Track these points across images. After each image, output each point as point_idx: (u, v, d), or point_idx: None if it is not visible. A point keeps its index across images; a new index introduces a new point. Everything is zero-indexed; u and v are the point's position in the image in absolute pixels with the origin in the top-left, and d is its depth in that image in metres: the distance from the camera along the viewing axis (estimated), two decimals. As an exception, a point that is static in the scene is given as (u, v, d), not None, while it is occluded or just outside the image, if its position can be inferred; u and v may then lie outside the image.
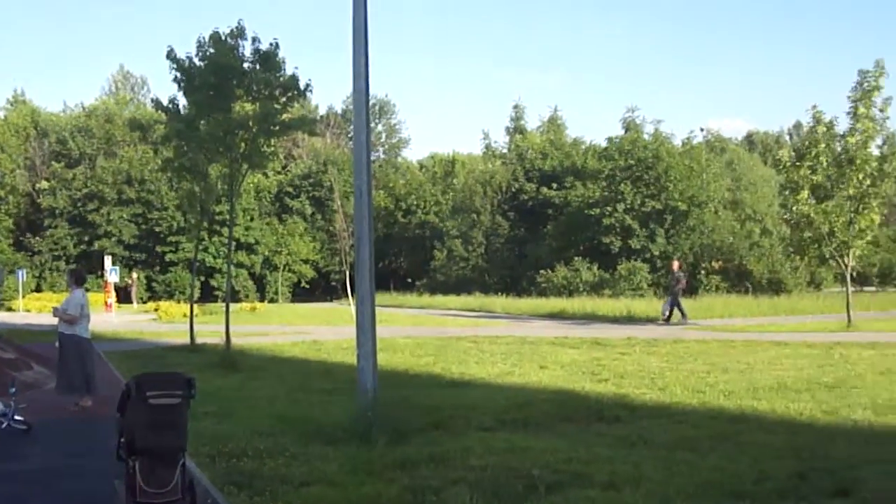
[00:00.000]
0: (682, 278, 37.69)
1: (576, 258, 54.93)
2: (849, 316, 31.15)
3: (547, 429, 12.40)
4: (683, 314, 35.02)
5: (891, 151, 32.43)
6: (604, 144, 61.51)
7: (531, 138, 73.66)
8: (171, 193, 64.07)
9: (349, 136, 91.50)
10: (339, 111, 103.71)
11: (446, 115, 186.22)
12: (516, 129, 78.13)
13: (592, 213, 55.74)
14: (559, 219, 61.15)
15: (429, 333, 30.96)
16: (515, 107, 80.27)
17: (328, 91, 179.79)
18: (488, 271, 64.53)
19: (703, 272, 54.36)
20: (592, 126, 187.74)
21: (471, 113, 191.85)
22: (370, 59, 12.49)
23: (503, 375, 18.68)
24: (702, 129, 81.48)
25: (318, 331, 32.38)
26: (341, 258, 47.90)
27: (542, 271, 55.75)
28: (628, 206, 54.66)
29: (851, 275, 33.37)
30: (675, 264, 39.53)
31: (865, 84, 30.55)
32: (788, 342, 25.18)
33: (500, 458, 10.21)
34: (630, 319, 36.58)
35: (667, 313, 35.32)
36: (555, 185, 62.86)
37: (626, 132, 60.26)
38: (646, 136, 58.98)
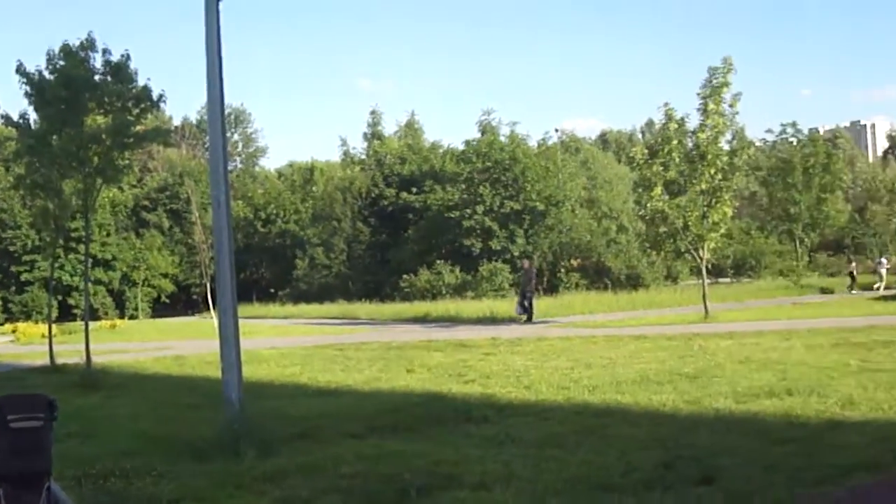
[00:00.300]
0: (534, 276, 38.17)
1: (438, 261, 55.08)
2: (706, 307, 31.88)
3: (416, 433, 12.38)
4: (521, 312, 35.36)
5: (740, 146, 33.40)
6: (461, 148, 61.94)
7: (389, 143, 73.81)
8: (24, 211, 62.32)
9: (205, 146, 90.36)
10: (195, 121, 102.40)
11: (303, 123, 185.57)
12: (374, 135, 78.24)
13: (452, 215, 56.01)
14: (420, 223, 61.25)
15: (293, 343, 30.71)
16: (373, 112, 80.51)
17: (182, 101, 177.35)
18: (351, 278, 64.28)
19: (562, 270, 55.07)
20: (450, 129, 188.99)
21: (328, 120, 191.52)
22: (224, 68, 12.31)
23: (370, 382, 18.61)
24: (556, 130, 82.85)
25: (181, 345, 31.83)
26: (201, 271, 47.25)
27: (404, 276, 55.73)
28: (487, 208, 55.05)
29: (706, 267, 34.17)
30: (527, 263, 40.01)
31: (714, 81, 31.32)
32: (649, 335, 25.64)
33: (370, 464, 10.15)
34: (493, 320, 36.79)
35: (525, 312, 35.57)
36: (414, 190, 62.93)
37: (482, 135, 60.79)
38: (502, 139, 59.59)
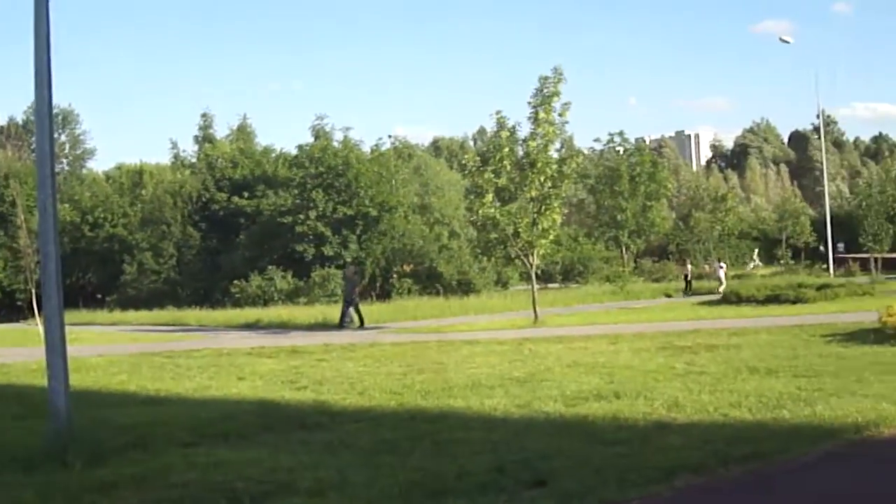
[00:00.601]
0: (358, 283, 38.24)
1: (270, 267, 54.55)
2: (535, 312, 32.37)
3: (249, 440, 12.23)
4: (348, 321, 35.37)
5: (569, 154, 34.03)
6: (294, 152, 61.56)
7: (221, 147, 72.69)
8: None
9: (32, 147, 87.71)
10: (21, 121, 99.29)
11: (133, 125, 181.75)
12: (205, 138, 76.97)
13: (285, 221, 55.55)
14: (252, 228, 60.56)
15: (122, 350, 29.96)
16: (204, 115, 79.16)
17: (8, 101, 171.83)
18: (181, 284, 63.05)
19: (395, 276, 55.20)
20: (283, 134, 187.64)
21: (159, 122, 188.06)
22: (52, 67, 11.95)
23: (201, 389, 18.29)
24: (389, 136, 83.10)
25: (5, 353, 30.70)
26: (26, 276, 45.70)
27: (235, 281, 54.97)
28: (320, 213, 54.76)
29: (536, 273, 34.72)
30: (350, 270, 40.06)
31: (545, 90, 31.80)
32: (480, 340, 25.87)
33: (202, 473, 9.97)
34: (326, 326, 36.59)
35: (352, 319, 35.51)
36: (246, 194, 62.13)
37: (315, 140, 60.50)
38: (335, 144, 59.41)
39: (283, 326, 37.82)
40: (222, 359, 24.74)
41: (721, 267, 53.79)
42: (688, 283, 51.31)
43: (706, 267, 64.93)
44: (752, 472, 9.41)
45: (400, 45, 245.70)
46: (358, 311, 35.65)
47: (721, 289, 45.10)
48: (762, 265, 75.07)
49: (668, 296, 48.33)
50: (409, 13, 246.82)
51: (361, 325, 34.92)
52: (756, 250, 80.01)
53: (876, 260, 53.29)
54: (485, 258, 40.27)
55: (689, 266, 55.63)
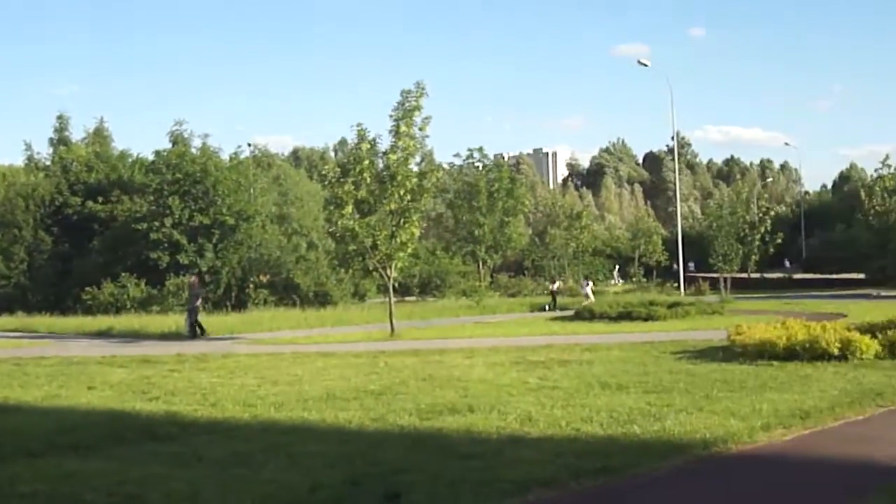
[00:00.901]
0: (200, 293, 37.88)
1: (123, 274, 53.40)
2: (392, 325, 32.42)
3: (98, 451, 11.98)
4: (202, 331, 35.05)
5: (429, 168, 34.18)
6: (151, 158, 60.44)
7: (76, 150, 70.92)
8: None
9: None
10: None
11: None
12: (60, 141, 75.02)
13: (140, 227, 54.44)
14: (106, 234, 59.25)
15: (-35, 357, 29.08)
16: (59, 117, 76.98)
17: None
18: (31, 289, 61.24)
19: (251, 286, 54.60)
20: (142, 139, 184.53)
21: (12, 123, 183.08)
22: None
23: (49, 398, 17.83)
24: (249, 145, 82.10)
25: None
26: None
27: (87, 288, 53.66)
28: (176, 221, 53.86)
29: (393, 286, 34.73)
30: (195, 279, 39.62)
31: (407, 104, 31.92)
32: (336, 353, 25.77)
33: (50, 484, 9.75)
34: (179, 336, 35.99)
35: (194, 328, 35.15)
36: (101, 199, 60.74)
37: (173, 146, 59.54)
38: (194, 150, 58.55)
39: (136, 335, 37.08)
40: (72, 367, 24.14)
41: (587, 284, 54.69)
42: (554, 298, 51.91)
43: (564, 283, 65.88)
44: (603, 486, 9.59)
45: (262, 52, 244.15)
46: (196, 321, 35.31)
47: (589, 303, 45.70)
48: (622, 282, 76.53)
49: (543, 309, 48.69)
50: (273, 21, 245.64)
51: (202, 334, 34.58)
52: (617, 267, 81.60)
53: (725, 279, 54.64)
54: (342, 270, 40.16)
55: (558, 282, 56.37)
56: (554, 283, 56.72)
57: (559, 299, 51.77)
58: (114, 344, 33.10)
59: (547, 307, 49.31)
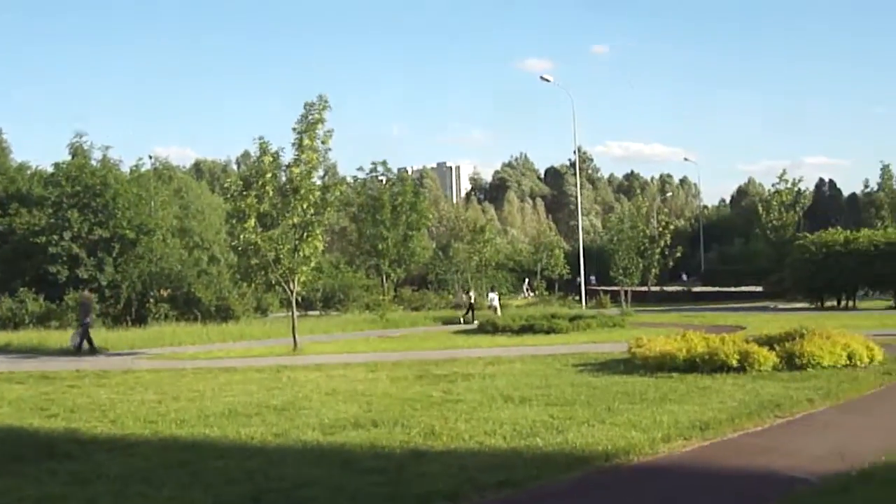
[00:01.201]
0: (91, 308, 37.41)
1: (21, 288, 52.36)
2: (295, 340, 32.22)
3: (-6, 470, 11.74)
4: (91, 347, 34.56)
5: (332, 182, 34.05)
6: (51, 170, 59.39)
7: (-26, 162, 69.52)
8: None
9: None
10: None
11: None
12: (-44, 152, 73.49)
13: (38, 241, 53.42)
14: (4, 247, 58.01)
15: None
16: (-43, 128, 75.70)
17: None
18: (-75, 304, 59.84)
19: (151, 301, 53.86)
20: (41, 151, 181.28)
21: None
22: None
23: (-59, 416, 17.43)
24: (150, 157, 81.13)
25: None
26: None
27: (-16, 303, 52.60)
28: (75, 234, 52.96)
29: (297, 300, 34.53)
30: (85, 294, 39.10)
31: (310, 116, 31.79)
32: (238, 368, 25.57)
33: (-60, 505, 9.53)
34: (78, 351, 35.40)
35: (79, 343, 34.62)
36: (-1, 212, 59.61)
37: (73, 158, 58.60)
38: (94, 163, 57.70)
39: (34, 351, 36.33)
40: (-33, 384, 23.60)
41: (493, 297, 54.94)
42: (470, 310, 52.03)
43: (468, 296, 66.07)
44: (506, 498, 9.65)
45: (164, 63, 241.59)
46: (83, 338, 34.78)
47: (495, 316, 45.81)
48: (532, 295, 76.89)
49: (456, 322, 48.63)
50: (175, 31, 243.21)
51: (83, 350, 34.10)
52: (527, 280, 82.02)
53: (626, 292, 55.37)
54: (245, 284, 39.75)
55: (472, 293, 56.51)
56: (468, 294, 56.90)
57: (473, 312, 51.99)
58: (12, 360, 32.39)
59: (462, 320, 49.38)
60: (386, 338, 38.00)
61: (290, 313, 34.56)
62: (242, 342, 37.61)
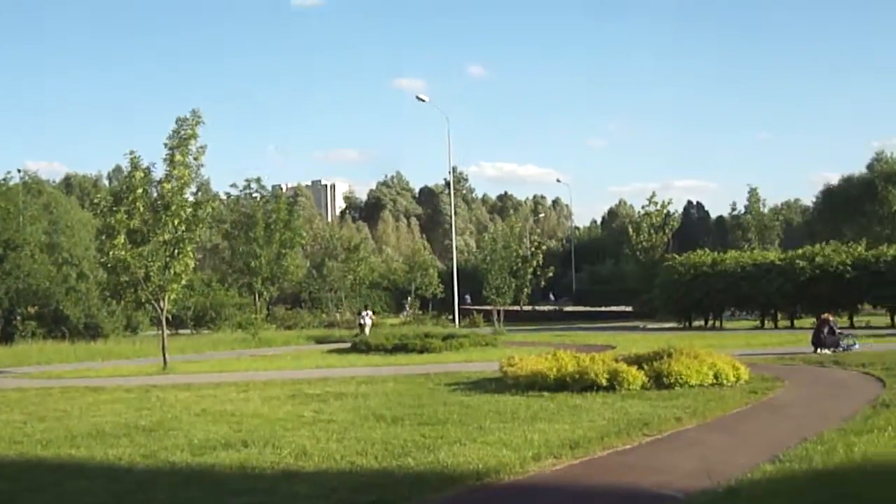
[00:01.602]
0: None
1: None
2: (165, 359, 31.80)
3: None
4: None
5: (205, 198, 33.72)
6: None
7: None
8: None
9: None
10: None
11: None
12: None
13: None
14: None
15: None
16: None
17: None
18: None
19: (18, 318, 52.65)
20: None
21: None
22: None
23: None
24: (19, 171, 79.09)
25: None
26: None
27: None
28: (-60, 250, 51.64)
29: (167, 318, 34.10)
30: None
31: (183, 132, 31.47)
32: (107, 387, 25.11)
33: None
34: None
35: None
36: None
37: (-63, 171, 57.16)
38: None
39: None
40: None
41: (363, 315, 54.98)
42: (362, 329, 51.98)
43: (341, 315, 66.04)
44: (377, 519, 9.66)
45: (34, 73, 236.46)
46: None
47: (364, 336, 45.76)
48: (417, 313, 76.90)
49: (339, 340, 48.17)
50: (44, 42, 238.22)
51: None
52: (409, 298, 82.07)
53: (499, 312, 55.80)
54: (114, 301, 39.08)
55: (369, 312, 56.62)
56: (361, 313, 57.04)
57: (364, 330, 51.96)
58: None
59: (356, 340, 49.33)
60: (258, 357, 37.70)
61: (160, 332, 34.08)
62: (111, 361, 37.01)
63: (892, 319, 49.75)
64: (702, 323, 56.01)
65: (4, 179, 60.86)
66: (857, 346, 30.52)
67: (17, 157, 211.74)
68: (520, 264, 55.37)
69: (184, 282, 32.98)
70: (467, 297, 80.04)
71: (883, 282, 48.87)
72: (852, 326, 45.75)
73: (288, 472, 12.07)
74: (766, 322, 53.65)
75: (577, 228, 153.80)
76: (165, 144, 31.61)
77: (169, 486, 11.26)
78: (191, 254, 32.22)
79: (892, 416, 15.12)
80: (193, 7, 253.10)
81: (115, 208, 31.63)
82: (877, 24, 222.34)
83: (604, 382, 20.22)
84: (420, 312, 73.44)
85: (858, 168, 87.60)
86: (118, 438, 15.25)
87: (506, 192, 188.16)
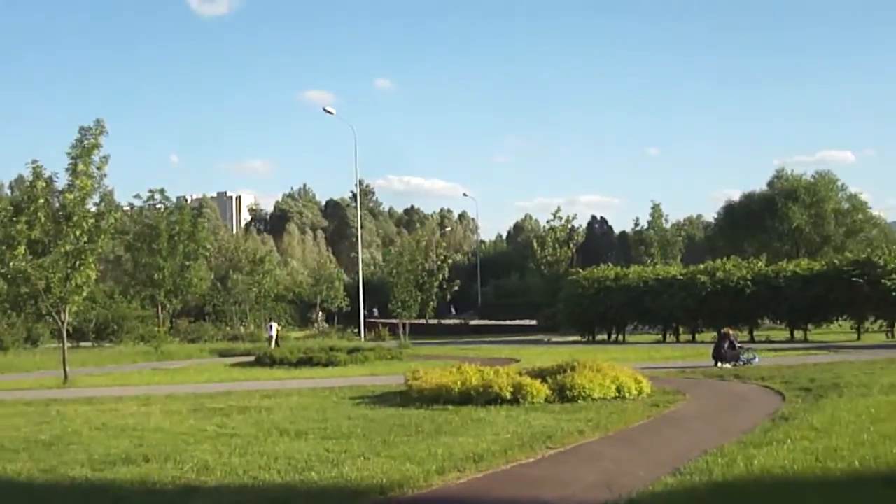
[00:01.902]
0: None
1: None
2: (65, 372, 31.32)
3: None
4: None
5: (107, 209, 33.27)
6: None
7: None
8: None
9: None
10: None
11: None
12: None
13: None
14: None
15: None
16: None
17: None
18: None
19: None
20: None
21: None
22: None
23: None
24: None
25: None
26: None
27: None
28: None
29: (68, 330, 33.61)
30: None
31: (86, 141, 31.06)
32: (5, 400, 24.67)
33: None
34: None
35: None
36: None
37: None
38: None
39: None
40: None
41: (272, 327, 54.80)
42: (276, 340, 51.73)
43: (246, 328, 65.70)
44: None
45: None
46: None
47: (270, 349, 45.52)
48: (327, 326, 76.59)
49: (248, 354, 47.69)
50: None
51: None
52: (319, 311, 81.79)
53: (404, 325, 55.87)
54: (14, 313, 38.40)
55: (275, 324, 56.45)
56: (271, 325, 56.88)
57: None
58: None
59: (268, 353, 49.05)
60: (160, 370, 37.32)
61: (61, 344, 33.56)
62: (10, 374, 36.39)
63: (791, 334, 50.89)
64: (605, 336, 56.69)
65: None
66: (756, 360, 31.09)
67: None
68: (426, 278, 55.55)
69: (85, 293, 32.54)
70: (374, 310, 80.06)
71: (782, 297, 49.96)
72: (752, 340, 46.58)
73: (189, 487, 11.96)
74: (668, 336, 54.49)
75: (483, 242, 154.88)
76: (68, 154, 31.16)
77: (68, 501, 11.12)
78: (93, 265, 31.77)
79: (791, 429, 15.44)
80: (95, 14, 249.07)
81: (15, 218, 31.08)
82: (778, 43, 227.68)
83: (508, 396, 20.34)
84: (326, 325, 73.29)
85: (759, 185, 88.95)
86: (17, 453, 14.99)
87: (413, 206, 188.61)
